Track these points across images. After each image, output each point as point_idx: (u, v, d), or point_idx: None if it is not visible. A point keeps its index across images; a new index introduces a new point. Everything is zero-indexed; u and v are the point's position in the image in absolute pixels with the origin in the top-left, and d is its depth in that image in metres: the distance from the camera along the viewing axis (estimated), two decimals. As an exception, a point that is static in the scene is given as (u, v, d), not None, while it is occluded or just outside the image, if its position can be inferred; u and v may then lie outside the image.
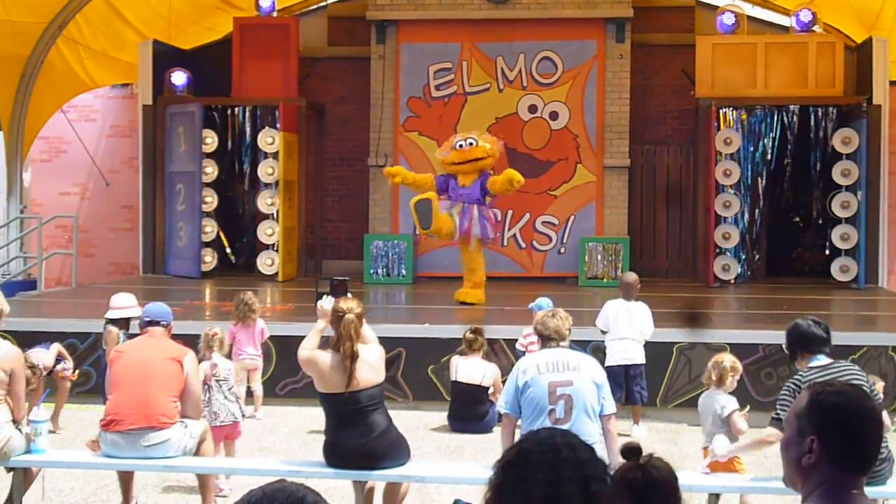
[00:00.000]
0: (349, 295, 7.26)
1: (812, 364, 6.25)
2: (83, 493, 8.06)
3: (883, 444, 4.72)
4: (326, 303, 6.97)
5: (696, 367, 11.10)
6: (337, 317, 6.67)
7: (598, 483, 2.40)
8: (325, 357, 6.64)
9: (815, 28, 17.45)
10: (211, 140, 17.66)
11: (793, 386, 6.13)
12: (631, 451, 3.25)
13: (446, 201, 14.04)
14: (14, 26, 16.78)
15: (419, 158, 17.42)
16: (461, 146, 14.00)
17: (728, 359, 7.36)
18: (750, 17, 18.27)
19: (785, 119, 17.21)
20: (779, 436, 6.14)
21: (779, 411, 6.14)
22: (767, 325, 12.26)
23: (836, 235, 16.58)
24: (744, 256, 17.13)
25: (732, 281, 16.78)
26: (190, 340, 8.03)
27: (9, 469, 7.04)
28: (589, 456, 2.46)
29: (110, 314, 9.13)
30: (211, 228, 17.51)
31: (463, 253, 14.45)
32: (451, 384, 10.59)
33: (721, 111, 16.97)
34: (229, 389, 8.35)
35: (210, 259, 17.72)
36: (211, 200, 17.72)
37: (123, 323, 9.03)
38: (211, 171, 17.59)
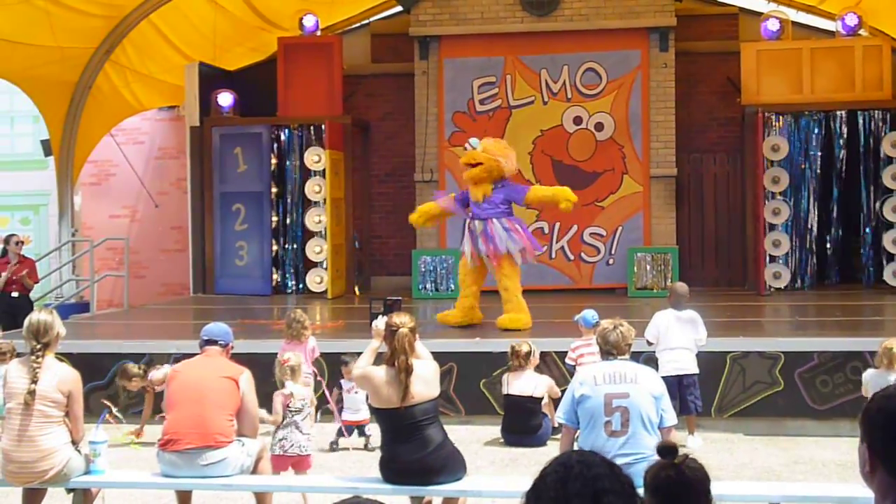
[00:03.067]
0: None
1: None
2: (142, 512, 8.13)
3: None
4: (381, 322, 6.99)
5: (749, 376, 11.02)
6: (390, 331, 6.69)
7: (610, 496, 2.41)
8: (380, 372, 6.66)
9: (861, 32, 17.30)
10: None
11: None
12: (667, 450, 3.26)
13: (468, 230, 12.71)
14: (63, 52, 17.02)
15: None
16: (466, 149, 12.97)
17: None
18: (794, 23, 18.13)
19: (833, 124, 17.06)
20: None
21: None
22: (821, 333, 12.14)
23: (888, 240, 16.41)
24: (795, 264, 16.98)
25: (784, 288, 16.65)
26: (243, 359, 8.07)
27: (69, 490, 7.11)
28: (604, 472, 2.48)
29: None
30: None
31: (497, 276, 12.84)
32: (504, 398, 10.56)
33: (768, 118, 16.86)
34: (303, 420, 8.10)
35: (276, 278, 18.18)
36: (276, 220, 18.10)
37: None
38: (275, 190, 18.00)
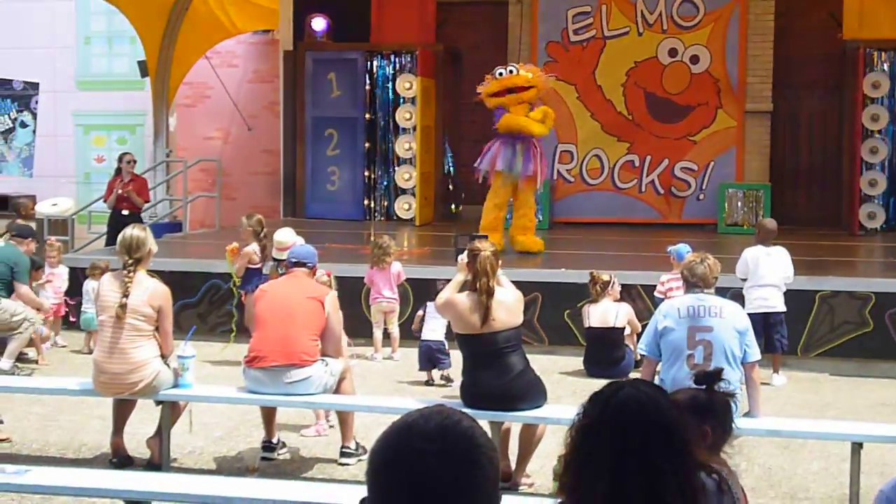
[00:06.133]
0: None
1: None
2: (227, 427, 8.31)
3: None
4: (467, 257, 7.01)
5: (838, 315, 10.89)
6: (472, 256, 6.71)
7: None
8: (462, 298, 6.70)
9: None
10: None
11: None
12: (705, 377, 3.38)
13: (505, 150, 13.05)
14: (159, -26, 17.15)
15: (557, 104, 17.15)
16: (501, 74, 13.18)
17: None
18: (903, -46, 17.56)
19: (939, 61, 16.56)
20: None
21: None
22: (914, 274, 11.92)
23: None
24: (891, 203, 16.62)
25: (878, 229, 16.32)
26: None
27: (158, 402, 7.29)
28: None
29: (278, 255, 9.39)
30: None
31: (517, 196, 13.45)
32: (586, 331, 10.57)
33: (869, 54, 16.42)
34: None
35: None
36: (368, 146, 17.95)
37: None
38: (369, 116, 17.87)
